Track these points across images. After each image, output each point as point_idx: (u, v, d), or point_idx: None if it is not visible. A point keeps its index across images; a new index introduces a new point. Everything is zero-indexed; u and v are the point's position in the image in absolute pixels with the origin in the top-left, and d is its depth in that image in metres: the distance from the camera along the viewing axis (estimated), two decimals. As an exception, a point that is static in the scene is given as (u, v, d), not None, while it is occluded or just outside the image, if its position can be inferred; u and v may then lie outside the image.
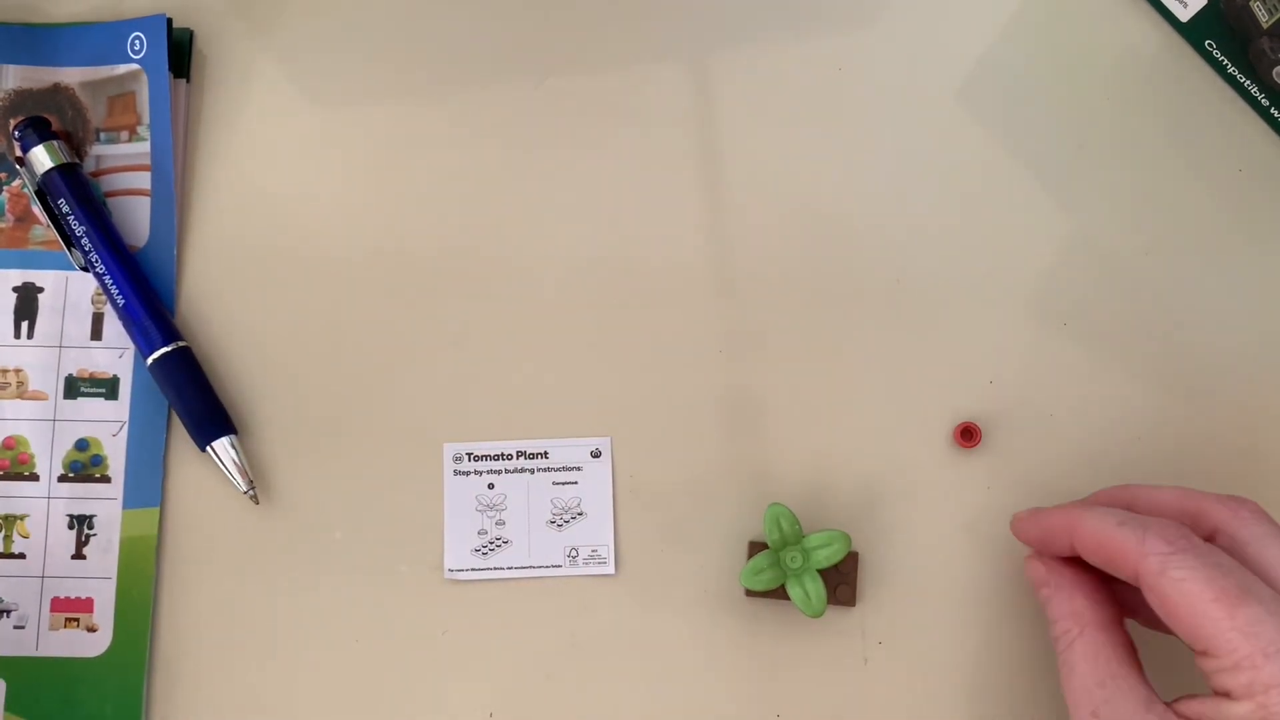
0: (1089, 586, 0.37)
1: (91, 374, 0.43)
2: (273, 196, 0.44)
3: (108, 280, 0.43)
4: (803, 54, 0.45)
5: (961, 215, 0.44)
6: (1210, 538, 0.35)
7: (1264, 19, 0.41)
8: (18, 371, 0.43)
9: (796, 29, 0.45)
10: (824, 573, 0.40)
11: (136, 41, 0.44)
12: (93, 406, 0.43)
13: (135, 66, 0.44)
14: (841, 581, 0.41)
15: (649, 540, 0.42)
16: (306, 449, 0.43)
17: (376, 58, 0.45)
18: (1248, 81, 0.43)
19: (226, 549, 0.42)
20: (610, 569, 0.42)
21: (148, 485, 0.43)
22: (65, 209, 0.43)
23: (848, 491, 0.42)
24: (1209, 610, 0.32)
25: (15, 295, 0.44)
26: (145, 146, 0.44)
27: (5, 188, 0.44)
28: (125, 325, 0.43)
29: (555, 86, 0.45)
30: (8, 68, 0.44)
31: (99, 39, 0.45)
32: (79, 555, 0.42)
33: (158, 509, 0.42)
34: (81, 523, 0.42)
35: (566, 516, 0.43)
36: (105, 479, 0.43)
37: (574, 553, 0.42)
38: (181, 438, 0.43)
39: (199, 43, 0.45)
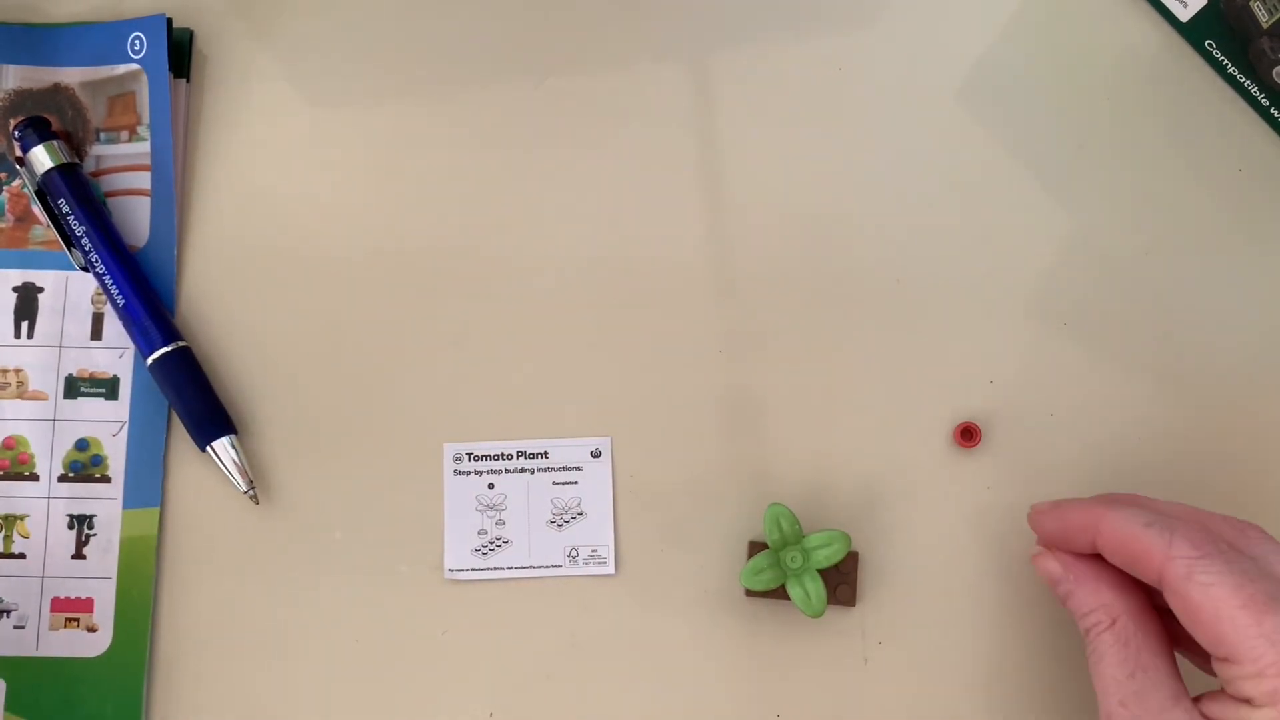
0: (1113, 576, 0.36)
1: (91, 374, 0.43)
2: (273, 196, 0.44)
3: (108, 280, 0.43)
4: (803, 54, 0.45)
5: (961, 215, 0.44)
6: None
7: (1264, 19, 0.41)
8: (18, 371, 0.43)
9: (796, 29, 0.45)
10: (824, 573, 0.40)
11: (136, 41, 0.44)
12: (93, 406, 0.43)
13: (135, 66, 0.44)
14: (841, 581, 0.41)
15: (649, 540, 0.42)
16: (306, 449, 0.43)
17: (376, 58, 0.45)
18: (1248, 81, 0.43)
19: (226, 549, 0.42)
20: (610, 569, 0.42)
21: (148, 485, 0.43)
22: (65, 209, 0.43)
23: (848, 491, 0.42)
24: (1236, 616, 0.31)
25: (15, 295, 0.44)
26: (145, 146, 0.44)
27: (5, 188, 0.44)
28: (125, 325, 0.43)
29: (555, 86, 0.45)
30: (8, 68, 0.44)
31: (99, 39, 0.45)
32: (79, 555, 0.42)
33: (158, 509, 0.42)
34: (81, 523, 0.42)
35: (566, 516, 0.43)
36: (105, 479, 0.43)
37: (574, 553, 0.42)
38: (181, 438, 0.43)
39: (199, 43, 0.45)
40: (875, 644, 0.42)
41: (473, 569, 0.42)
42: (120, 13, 0.45)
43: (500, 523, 0.43)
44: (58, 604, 0.42)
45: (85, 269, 0.43)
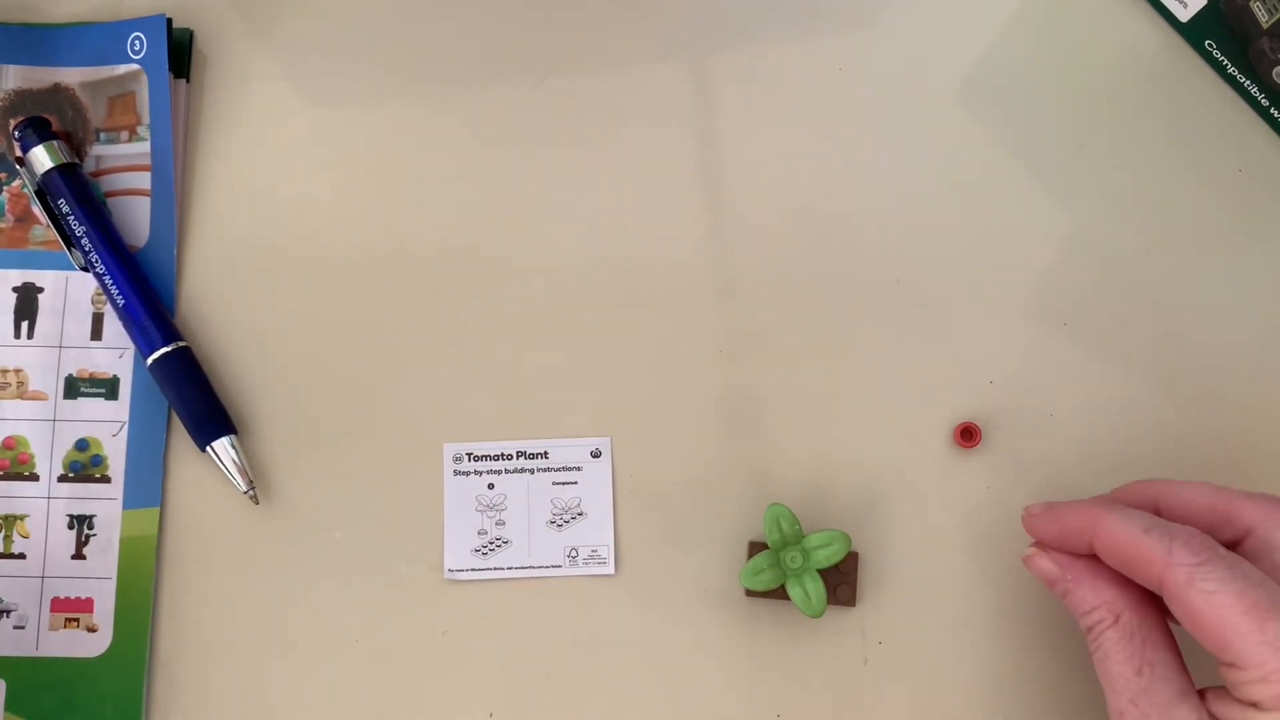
0: (1112, 573, 0.36)
1: (91, 374, 0.43)
2: (273, 196, 0.44)
3: (108, 280, 0.43)
4: (803, 54, 0.45)
5: (961, 215, 0.44)
6: (1242, 538, 0.35)
7: (1264, 19, 0.41)
8: (18, 371, 0.43)
9: (796, 29, 0.45)
10: (824, 573, 0.40)
11: (136, 41, 0.44)
12: (93, 406, 0.43)
13: (135, 66, 0.44)
14: (841, 581, 0.41)
15: (649, 540, 0.42)
16: (306, 449, 0.43)
17: (376, 58, 0.45)
18: (1248, 81, 0.43)
19: (226, 549, 0.42)
20: (610, 569, 0.42)
21: (148, 485, 0.43)
22: (65, 209, 0.43)
23: (848, 491, 0.42)
24: (1239, 624, 0.32)
25: (15, 295, 0.44)
26: (145, 146, 0.44)
27: (5, 188, 0.44)
28: (125, 325, 0.43)
29: (555, 86, 0.45)
30: (8, 68, 0.44)
31: (99, 39, 0.45)
32: (79, 555, 0.42)
33: (158, 509, 0.42)
34: (81, 523, 0.42)
35: (566, 516, 0.43)
36: (105, 479, 0.43)
37: (574, 553, 0.42)
38: (181, 438, 0.43)
39: (199, 43, 0.45)
40: (875, 644, 0.42)
41: (473, 569, 0.42)
42: (120, 13, 0.45)
43: (500, 523, 0.43)
44: (58, 604, 0.42)
45: (85, 269, 0.43)
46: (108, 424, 0.43)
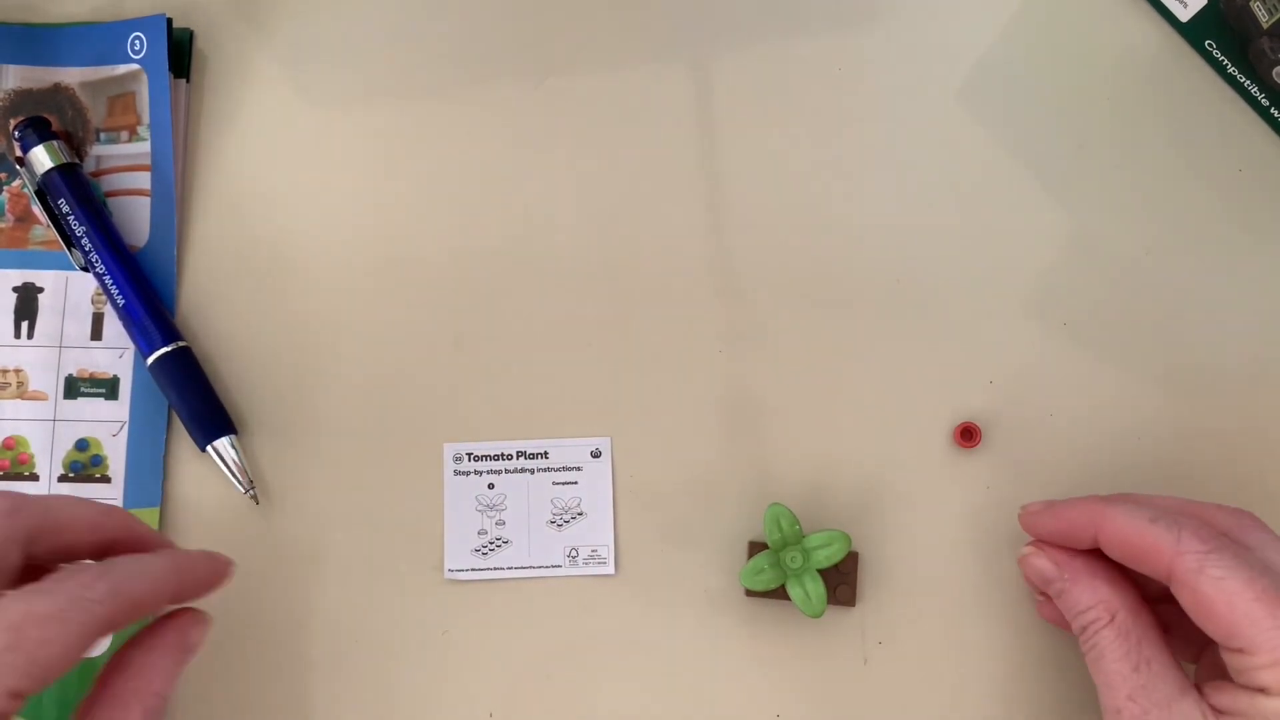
0: (1108, 571, 0.36)
1: (91, 374, 0.43)
2: (273, 196, 0.44)
3: (108, 280, 0.43)
4: (803, 54, 0.45)
5: (961, 215, 0.44)
6: None
7: (1264, 19, 0.41)
8: (18, 371, 0.43)
9: (796, 29, 0.45)
10: (824, 573, 0.40)
11: (136, 41, 0.44)
12: (93, 406, 0.43)
13: (135, 66, 0.44)
14: (841, 581, 0.41)
15: (649, 540, 0.42)
16: (306, 449, 0.43)
17: (376, 58, 0.45)
18: (1248, 81, 0.43)
19: (226, 549, 0.42)
20: (610, 569, 0.42)
21: (148, 485, 0.43)
22: (65, 209, 0.43)
23: (848, 491, 0.42)
24: (1250, 609, 0.32)
25: (15, 295, 0.44)
26: (145, 146, 0.44)
27: (5, 188, 0.44)
28: (125, 325, 0.43)
29: (555, 86, 0.45)
30: (8, 68, 0.44)
31: (99, 39, 0.45)
32: (79, 555, 0.42)
33: (158, 509, 0.42)
34: (81, 523, 0.42)
35: (566, 516, 0.43)
36: (105, 479, 0.43)
37: (574, 553, 0.42)
38: (181, 438, 0.43)
39: (199, 43, 0.45)
40: (875, 644, 0.42)
41: (473, 569, 0.42)
42: (120, 13, 0.45)
43: (500, 523, 0.43)
44: (58, 604, 0.42)
45: (85, 269, 0.43)
46: (108, 424, 0.43)
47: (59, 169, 0.43)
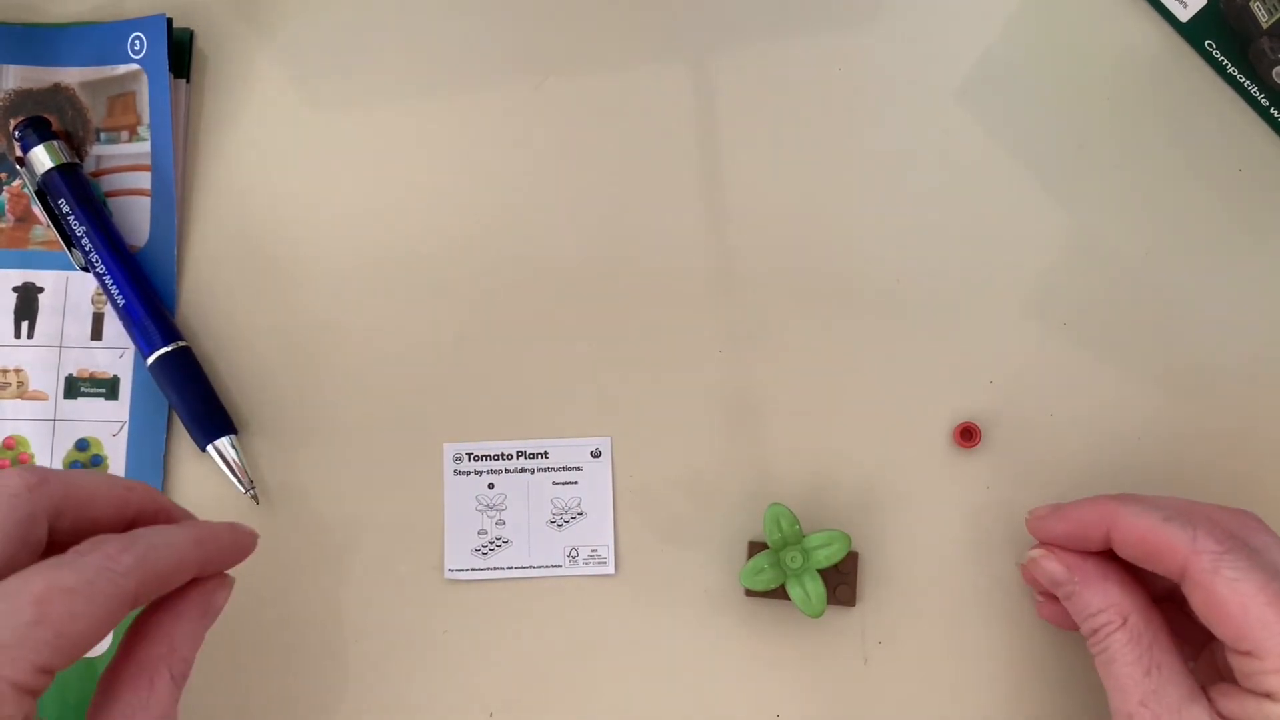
0: (1120, 574, 0.36)
1: (91, 374, 0.43)
2: (273, 197, 0.44)
3: (108, 280, 0.43)
4: (803, 54, 0.45)
5: (961, 215, 0.44)
6: None
7: (1264, 19, 0.41)
8: (18, 371, 0.43)
9: (796, 29, 0.45)
10: (824, 573, 0.40)
11: (136, 41, 0.44)
12: (93, 406, 0.43)
13: (135, 66, 0.44)
14: (841, 581, 0.41)
15: (649, 540, 0.42)
16: (306, 449, 0.43)
17: (376, 58, 0.45)
18: (1248, 81, 0.43)
19: (226, 549, 0.42)
20: (610, 569, 0.42)
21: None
22: (65, 209, 0.43)
23: (848, 491, 0.42)
24: (1263, 614, 0.32)
25: (15, 295, 0.44)
26: (145, 146, 0.44)
27: (5, 188, 0.44)
28: (125, 325, 0.43)
29: (555, 86, 0.45)
30: (8, 68, 0.44)
31: (99, 39, 0.45)
32: (79, 555, 0.42)
33: (158, 509, 0.42)
34: (81, 523, 0.42)
35: (566, 516, 0.43)
36: (105, 479, 0.43)
37: (574, 553, 0.42)
38: (181, 438, 0.43)
39: (199, 43, 0.45)
40: (875, 644, 0.42)
41: (473, 569, 0.42)
42: (120, 13, 0.45)
43: (500, 523, 0.43)
44: (58, 604, 0.42)
45: (85, 269, 0.43)
46: (108, 424, 0.43)
47: (59, 169, 0.43)
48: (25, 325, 0.44)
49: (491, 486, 0.43)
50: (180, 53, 0.45)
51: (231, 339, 0.44)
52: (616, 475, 0.43)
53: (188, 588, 0.34)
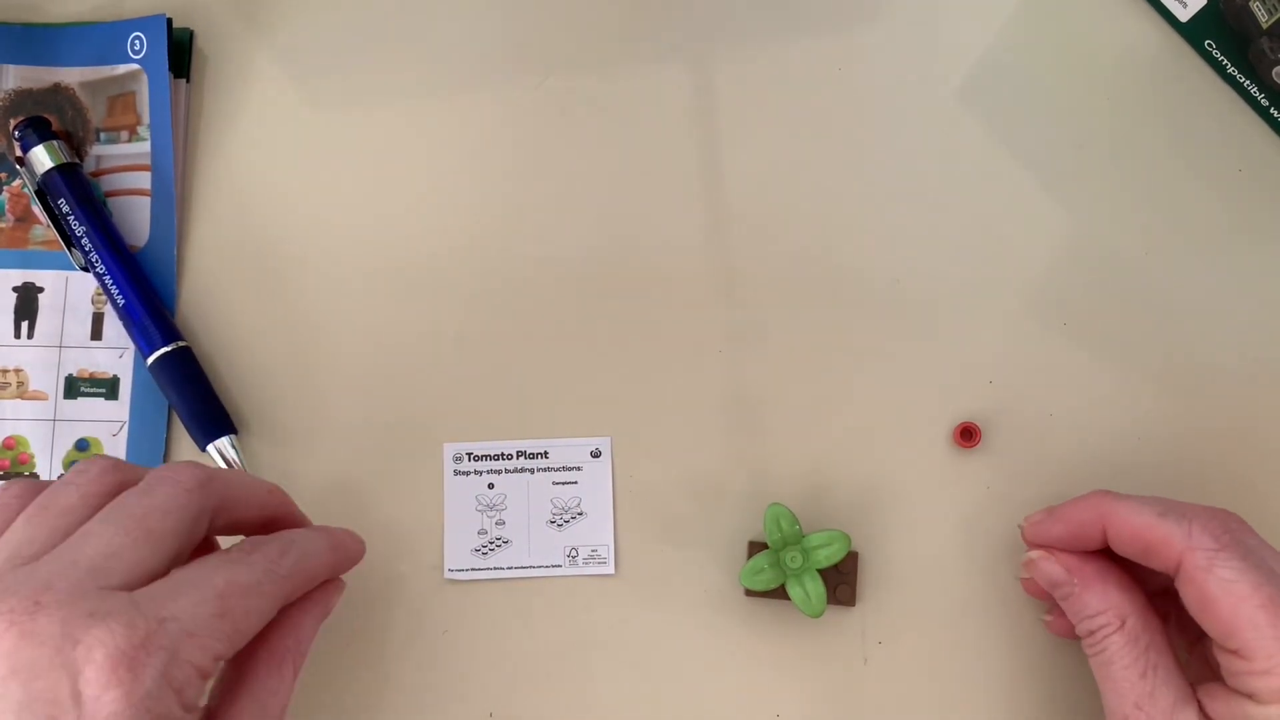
0: (1119, 576, 0.36)
1: (91, 374, 0.43)
2: (273, 196, 0.44)
3: (108, 280, 0.43)
4: (803, 54, 0.45)
5: (961, 215, 0.44)
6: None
7: (1264, 19, 0.41)
8: (18, 371, 0.43)
9: (796, 29, 0.45)
10: (824, 573, 0.40)
11: (136, 41, 0.44)
12: (93, 406, 0.43)
13: (135, 66, 0.44)
14: (841, 581, 0.41)
15: (649, 540, 0.42)
16: (306, 449, 0.43)
17: (376, 57, 0.45)
18: (1248, 81, 0.43)
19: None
20: (610, 569, 0.42)
21: (148, 485, 0.43)
22: (65, 209, 0.43)
23: (848, 491, 0.42)
24: (1254, 615, 0.32)
25: (15, 295, 0.44)
26: (145, 146, 0.44)
27: (5, 188, 0.44)
28: (125, 325, 0.43)
29: (555, 86, 0.45)
30: (8, 68, 0.44)
31: (99, 39, 0.45)
32: (79, 555, 0.42)
33: (158, 509, 0.42)
34: (81, 523, 0.42)
35: (566, 516, 0.43)
36: (105, 479, 0.43)
37: (574, 553, 0.42)
38: (181, 438, 0.43)
39: (199, 43, 0.45)
40: (875, 644, 0.42)
41: (473, 569, 0.42)
42: (120, 13, 0.45)
43: (500, 523, 0.43)
44: (58, 604, 0.42)
45: (85, 269, 0.43)
46: (108, 424, 0.43)
47: (59, 169, 0.43)
48: (25, 325, 0.44)
49: (491, 486, 0.43)
50: (180, 53, 0.45)
51: (231, 339, 0.44)
52: (616, 475, 0.43)
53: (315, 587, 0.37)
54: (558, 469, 0.43)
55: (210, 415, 0.42)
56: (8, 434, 0.43)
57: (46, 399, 0.43)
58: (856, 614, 0.42)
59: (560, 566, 0.42)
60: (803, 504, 0.42)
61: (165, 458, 0.43)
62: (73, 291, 0.44)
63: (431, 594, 0.42)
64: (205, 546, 0.36)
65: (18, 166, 0.43)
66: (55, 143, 0.43)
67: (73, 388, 0.43)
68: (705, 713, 0.41)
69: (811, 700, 0.41)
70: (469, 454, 0.43)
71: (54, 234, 0.43)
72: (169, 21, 0.44)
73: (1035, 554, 0.38)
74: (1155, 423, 0.43)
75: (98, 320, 0.44)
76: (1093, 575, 0.36)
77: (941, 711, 0.41)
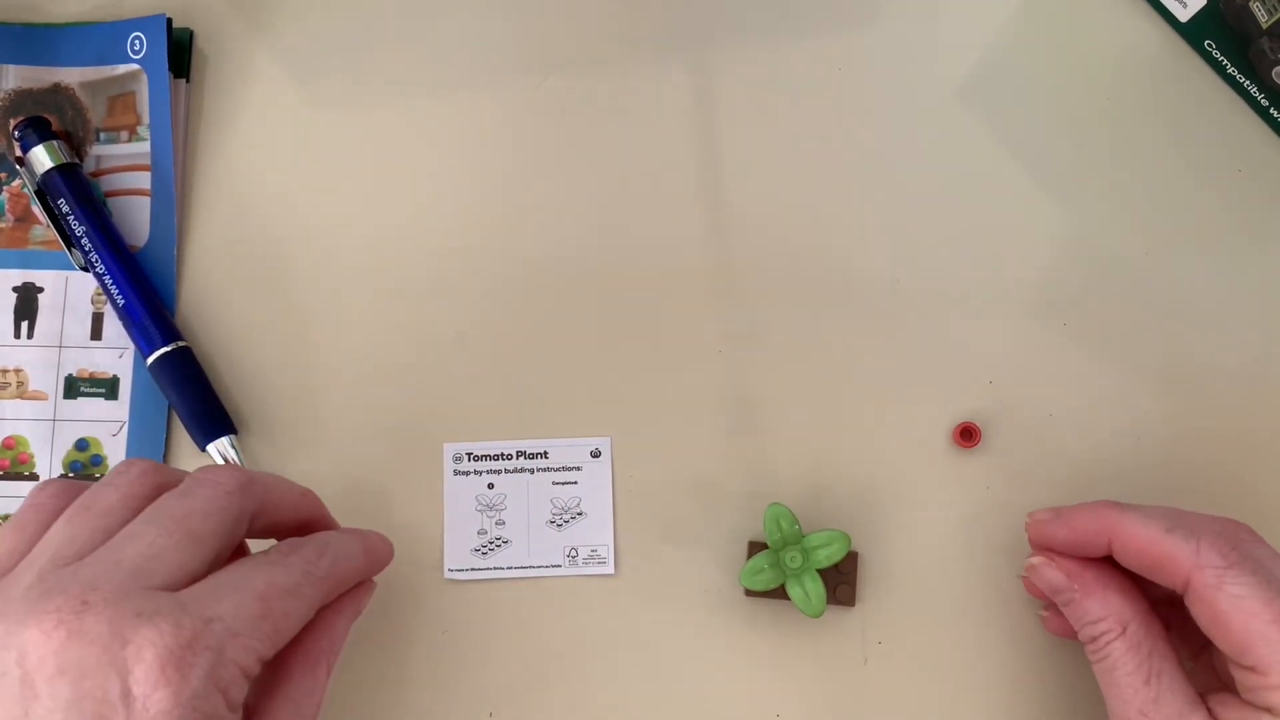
0: (1120, 581, 0.36)
1: (91, 374, 0.43)
2: (273, 196, 0.44)
3: (108, 280, 0.43)
4: (803, 54, 0.45)
5: (961, 215, 0.44)
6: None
7: (1264, 19, 0.41)
8: (18, 371, 0.43)
9: (796, 29, 0.45)
10: (824, 573, 0.40)
11: (136, 41, 0.44)
12: (93, 406, 0.43)
13: (135, 66, 0.44)
14: (841, 581, 0.41)
15: (649, 540, 0.42)
16: (306, 449, 0.43)
17: (376, 57, 0.45)
18: (1248, 81, 0.43)
19: (226, 549, 0.42)
20: (610, 569, 0.42)
21: (148, 485, 0.43)
22: (65, 209, 0.43)
23: (848, 491, 0.42)
24: (1266, 631, 0.32)
25: (15, 295, 0.44)
26: (145, 146, 0.44)
27: (5, 188, 0.44)
28: (125, 325, 0.43)
29: (555, 86, 0.45)
30: (8, 68, 0.44)
31: (99, 39, 0.45)
32: (79, 555, 0.42)
33: (158, 509, 0.42)
34: (81, 523, 0.42)
35: (566, 516, 0.43)
36: (105, 479, 0.43)
37: (574, 553, 0.42)
38: (181, 438, 0.43)
39: (199, 43, 0.45)
40: (875, 644, 0.42)
41: (473, 569, 0.42)
42: (120, 13, 0.45)
43: (500, 523, 0.43)
44: (58, 604, 0.42)
45: (85, 269, 0.43)
46: (108, 424, 0.43)
47: (59, 169, 0.43)
48: (25, 325, 0.44)
49: (491, 486, 0.43)
50: (180, 52, 0.45)
51: (231, 339, 0.44)
52: (616, 475, 0.43)
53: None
54: (557, 469, 0.43)
55: (210, 415, 0.42)
56: (7, 434, 0.43)
57: (46, 399, 0.43)
58: (856, 614, 0.42)
59: (560, 566, 0.42)
60: (803, 504, 0.42)
61: (165, 458, 0.43)
62: (73, 291, 0.44)
63: (431, 594, 0.42)
64: (235, 551, 0.36)
65: (18, 166, 0.43)
66: (55, 143, 0.43)
67: (72, 388, 0.43)
68: (705, 713, 0.41)
69: (811, 700, 0.41)
70: (469, 454, 0.43)
71: (54, 234, 0.43)
72: (169, 21, 0.44)
73: (1036, 560, 0.37)
74: (1155, 423, 0.43)
75: (98, 320, 0.44)
76: (1094, 581, 0.36)
77: (941, 711, 0.41)
